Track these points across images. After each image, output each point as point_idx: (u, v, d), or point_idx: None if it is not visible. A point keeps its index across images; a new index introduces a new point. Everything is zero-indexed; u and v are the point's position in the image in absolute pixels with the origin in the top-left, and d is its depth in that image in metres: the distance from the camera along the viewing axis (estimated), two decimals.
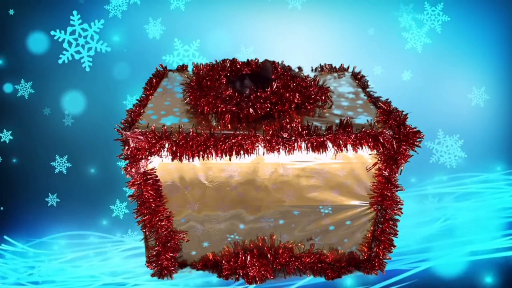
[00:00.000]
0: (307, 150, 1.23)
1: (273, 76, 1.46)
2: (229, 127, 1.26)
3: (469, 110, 2.16)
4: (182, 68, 1.79)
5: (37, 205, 2.01)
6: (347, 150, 1.24)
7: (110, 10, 2.01)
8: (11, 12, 1.99)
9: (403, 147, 1.23)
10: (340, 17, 2.07)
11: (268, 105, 1.29)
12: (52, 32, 2.02)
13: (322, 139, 1.22)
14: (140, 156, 1.23)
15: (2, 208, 1.92)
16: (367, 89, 1.56)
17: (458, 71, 2.15)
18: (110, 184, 1.64)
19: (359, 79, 1.67)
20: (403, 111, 1.29)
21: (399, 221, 1.38)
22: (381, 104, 1.36)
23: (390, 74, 2.12)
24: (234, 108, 1.28)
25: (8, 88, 2.10)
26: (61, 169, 2.06)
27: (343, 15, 2.08)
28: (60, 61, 2.04)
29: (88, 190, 2.02)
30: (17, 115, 2.12)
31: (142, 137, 1.21)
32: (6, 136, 2.10)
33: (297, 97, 1.34)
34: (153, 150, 1.22)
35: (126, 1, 1.90)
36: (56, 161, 2.05)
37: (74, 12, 1.99)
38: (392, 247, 1.42)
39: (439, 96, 2.15)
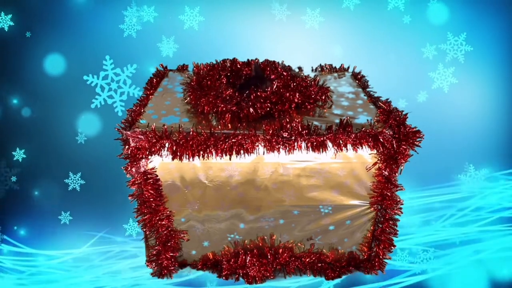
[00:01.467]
0: (307, 149, 1.23)
1: (272, 76, 1.47)
2: (229, 127, 1.27)
3: (497, 137, 2.18)
4: (182, 68, 1.79)
5: (49, 223, 2.00)
6: (347, 149, 1.24)
7: (125, 29, 2.04)
8: (28, 34, 2.01)
9: (403, 146, 1.23)
10: (363, 44, 2.09)
11: (268, 104, 1.30)
12: (85, 77, 2.04)
13: (322, 138, 1.22)
14: (141, 156, 1.23)
15: (15, 228, 1.91)
16: (367, 89, 1.56)
17: (481, 99, 2.17)
18: (123, 203, 1.63)
19: (359, 79, 1.67)
20: (402, 111, 1.29)
21: (399, 220, 1.38)
22: (381, 104, 1.36)
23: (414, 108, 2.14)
24: (234, 108, 1.28)
25: (25, 110, 2.11)
26: (74, 186, 2.06)
27: (365, 42, 2.09)
28: (92, 106, 2.07)
29: (102, 208, 2.01)
30: (29, 133, 2.12)
31: (142, 137, 1.21)
32: (19, 154, 2.11)
33: (297, 96, 1.34)
34: (153, 149, 1.22)
35: (139, 21, 1.90)
36: (70, 178, 2.06)
37: (107, 57, 2.01)
38: (392, 247, 1.42)
39: (463, 125, 2.18)
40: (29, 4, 2.02)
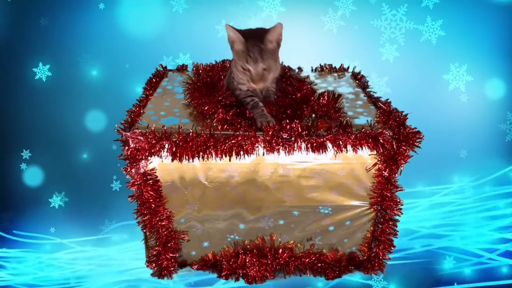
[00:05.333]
0: (307, 150, 1.23)
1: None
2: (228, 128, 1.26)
3: None
4: (182, 68, 1.79)
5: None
6: (346, 150, 1.24)
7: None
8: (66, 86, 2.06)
9: (403, 147, 1.23)
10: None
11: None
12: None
13: (321, 139, 1.22)
14: (140, 157, 1.23)
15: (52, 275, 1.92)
16: (367, 90, 1.56)
17: None
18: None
19: (359, 79, 1.66)
20: (402, 112, 1.29)
21: (398, 221, 1.38)
22: (381, 105, 1.36)
23: None
24: (229, 118, 1.26)
25: (62, 161, 2.16)
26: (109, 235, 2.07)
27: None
28: None
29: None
30: (69, 179, 2.17)
31: (142, 138, 1.21)
32: (56, 202, 2.13)
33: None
34: (153, 150, 1.22)
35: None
36: (105, 225, 2.06)
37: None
38: (392, 247, 1.42)
39: None
40: (66, 55, 2.05)
